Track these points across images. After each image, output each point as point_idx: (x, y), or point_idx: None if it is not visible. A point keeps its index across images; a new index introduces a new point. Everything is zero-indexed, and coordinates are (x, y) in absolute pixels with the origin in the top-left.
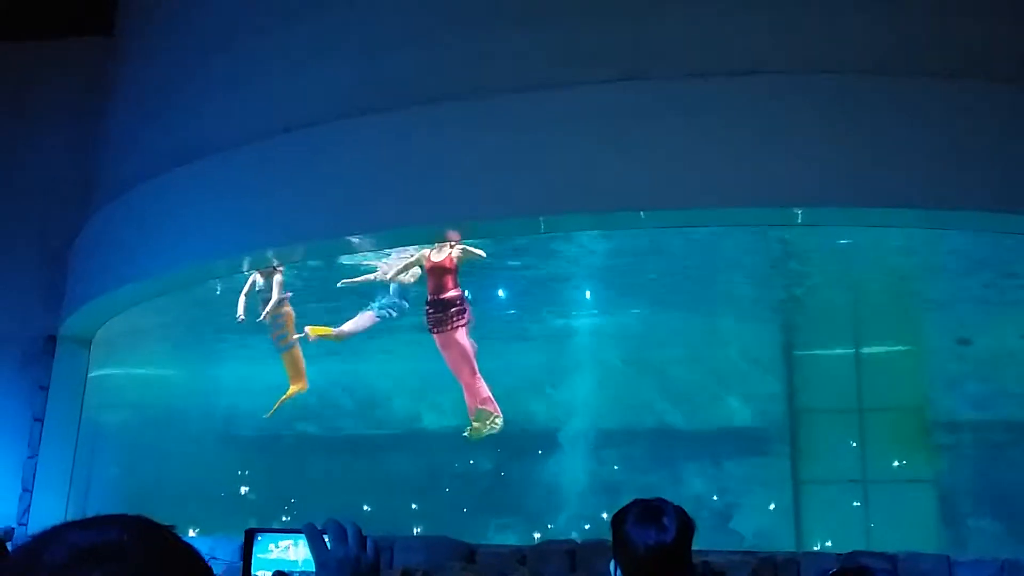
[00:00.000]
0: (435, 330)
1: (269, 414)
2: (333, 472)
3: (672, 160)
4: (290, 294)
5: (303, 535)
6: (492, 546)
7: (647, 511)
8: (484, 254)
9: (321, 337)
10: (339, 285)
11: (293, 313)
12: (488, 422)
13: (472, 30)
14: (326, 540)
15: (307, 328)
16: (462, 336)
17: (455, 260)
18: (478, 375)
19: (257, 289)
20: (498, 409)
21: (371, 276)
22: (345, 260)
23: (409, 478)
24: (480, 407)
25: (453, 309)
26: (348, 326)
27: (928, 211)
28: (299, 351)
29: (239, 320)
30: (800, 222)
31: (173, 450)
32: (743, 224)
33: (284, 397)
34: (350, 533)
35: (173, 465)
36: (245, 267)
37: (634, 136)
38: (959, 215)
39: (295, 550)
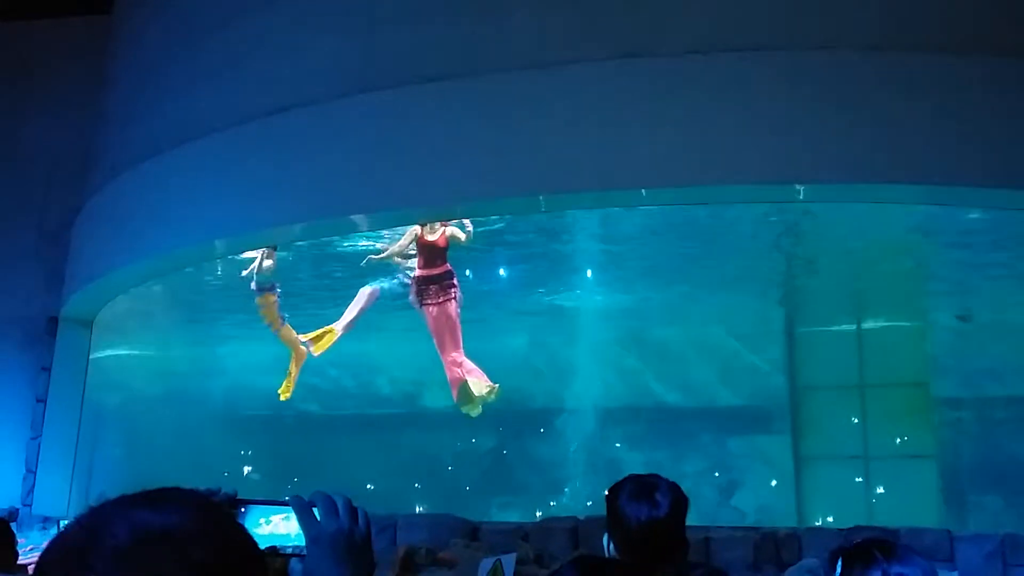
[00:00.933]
0: (423, 303)
1: (285, 394)
2: (336, 451)
3: (673, 138)
4: (276, 285)
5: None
6: (495, 523)
7: (640, 487)
8: (463, 237)
9: (325, 344)
10: (363, 264)
11: (276, 302)
12: (483, 393)
13: (471, 8)
14: (316, 513)
15: (311, 346)
16: (452, 309)
17: (447, 239)
18: (461, 350)
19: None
20: (487, 379)
21: (390, 249)
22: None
23: (412, 457)
24: (467, 378)
25: (445, 283)
26: (349, 314)
27: (931, 187)
28: (289, 327)
29: (244, 275)
30: (802, 199)
31: (176, 430)
32: (744, 201)
33: (292, 374)
34: (340, 505)
35: (176, 445)
36: (245, 247)
37: (634, 114)
38: (963, 191)
39: (286, 524)
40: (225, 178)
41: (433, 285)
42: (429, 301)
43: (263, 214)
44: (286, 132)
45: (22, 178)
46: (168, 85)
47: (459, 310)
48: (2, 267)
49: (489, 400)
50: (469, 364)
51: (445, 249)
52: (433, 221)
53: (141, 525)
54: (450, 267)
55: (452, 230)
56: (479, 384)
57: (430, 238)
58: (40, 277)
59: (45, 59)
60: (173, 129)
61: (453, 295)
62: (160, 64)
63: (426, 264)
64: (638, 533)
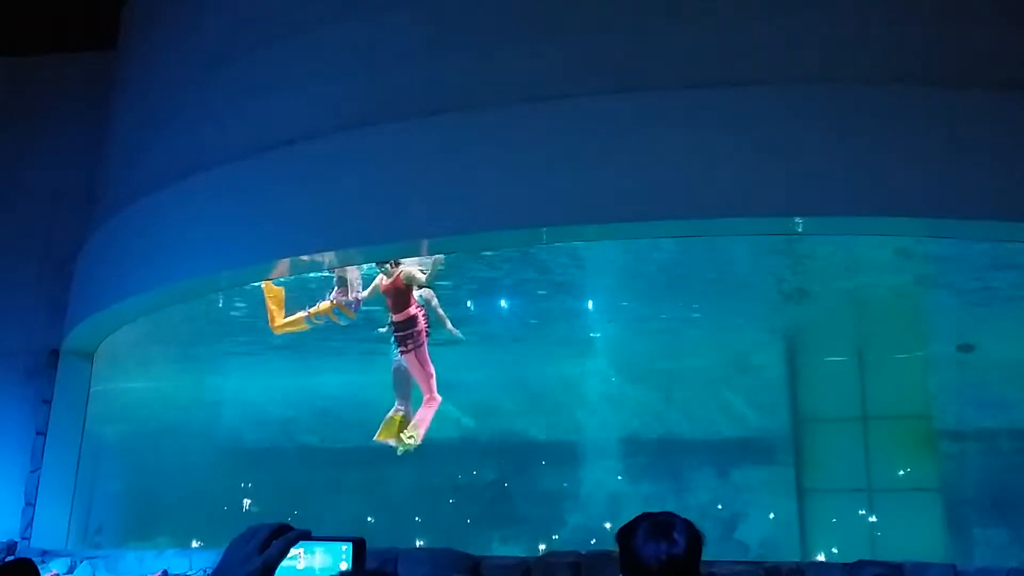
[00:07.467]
0: (400, 350)
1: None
2: (336, 484)
3: (671, 170)
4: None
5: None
6: (497, 558)
7: (657, 526)
8: (422, 276)
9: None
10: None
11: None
12: (407, 437)
13: (472, 43)
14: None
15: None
16: (419, 357)
17: (403, 280)
18: (434, 391)
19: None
20: (420, 438)
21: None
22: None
23: (412, 490)
24: (418, 421)
25: (413, 329)
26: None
27: (931, 220)
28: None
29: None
30: (801, 231)
31: (176, 463)
32: (744, 234)
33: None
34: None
35: (176, 478)
36: (248, 280)
37: (633, 147)
38: (963, 224)
39: (308, 558)
40: (228, 212)
41: (400, 332)
42: (401, 348)
43: (266, 247)
44: (290, 165)
45: (26, 211)
46: (171, 119)
47: (425, 353)
48: (5, 300)
49: (404, 448)
50: (428, 413)
51: (407, 291)
52: (434, 254)
53: None
54: (413, 312)
55: (408, 271)
56: (414, 430)
57: (386, 282)
58: (42, 310)
59: (50, 94)
60: (177, 163)
61: (410, 346)
62: (164, 98)
63: (393, 308)
64: (658, 572)
